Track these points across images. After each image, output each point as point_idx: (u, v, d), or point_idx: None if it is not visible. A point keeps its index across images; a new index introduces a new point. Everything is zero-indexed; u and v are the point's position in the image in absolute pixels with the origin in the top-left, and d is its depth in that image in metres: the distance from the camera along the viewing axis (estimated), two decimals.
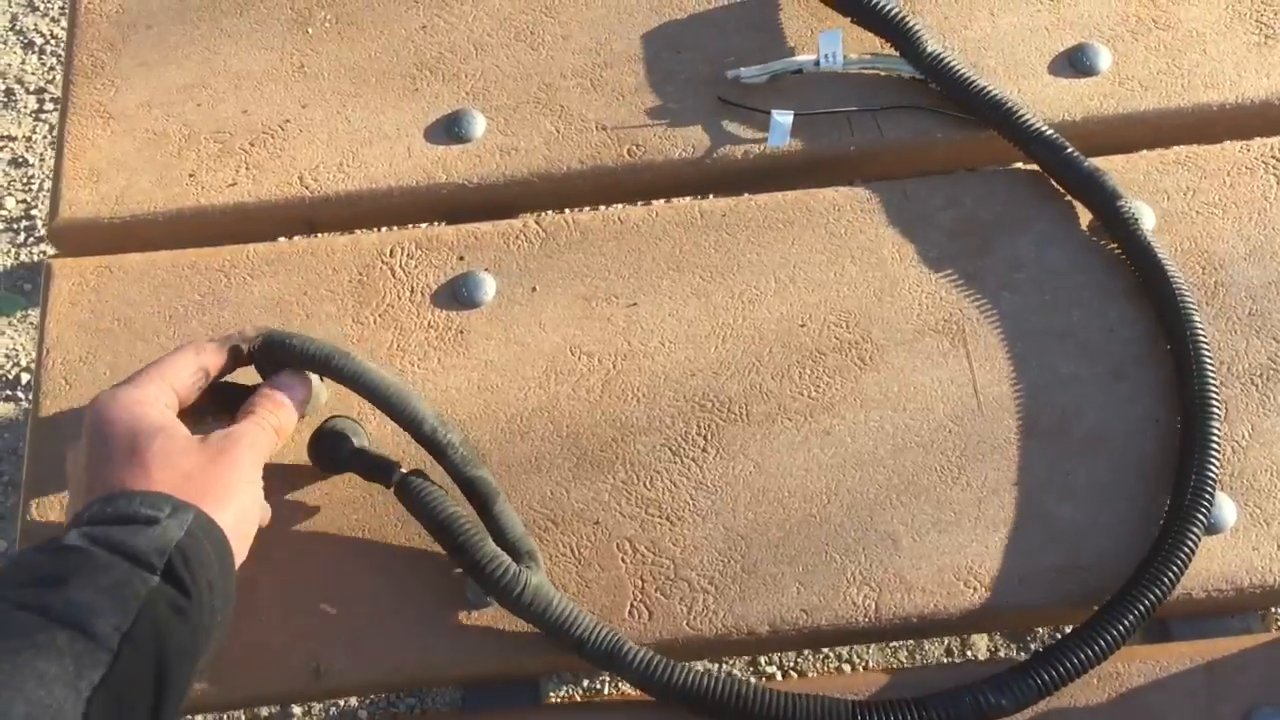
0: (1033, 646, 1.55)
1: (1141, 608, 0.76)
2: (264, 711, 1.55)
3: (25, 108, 2.04)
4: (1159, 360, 0.86)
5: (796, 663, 1.58)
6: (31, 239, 1.93)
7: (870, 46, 0.97)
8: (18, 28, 2.11)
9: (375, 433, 0.86)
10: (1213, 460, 0.80)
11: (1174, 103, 0.95)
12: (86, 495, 0.69)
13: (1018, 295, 0.89)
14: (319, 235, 0.96)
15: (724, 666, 1.56)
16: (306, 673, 0.80)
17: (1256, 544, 0.81)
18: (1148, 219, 0.90)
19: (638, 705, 0.80)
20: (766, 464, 0.85)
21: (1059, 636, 0.77)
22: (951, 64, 0.93)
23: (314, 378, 0.84)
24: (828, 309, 0.89)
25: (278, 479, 0.83)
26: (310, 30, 1.02)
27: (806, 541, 0.82)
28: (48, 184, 1.97)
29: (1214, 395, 0.82)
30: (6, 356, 1.85)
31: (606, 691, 1.54)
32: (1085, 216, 0.91)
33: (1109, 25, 0.98)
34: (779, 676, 1.57)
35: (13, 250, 1.93)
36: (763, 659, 1.57)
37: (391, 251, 0.92)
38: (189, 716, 0.91)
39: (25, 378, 1.82)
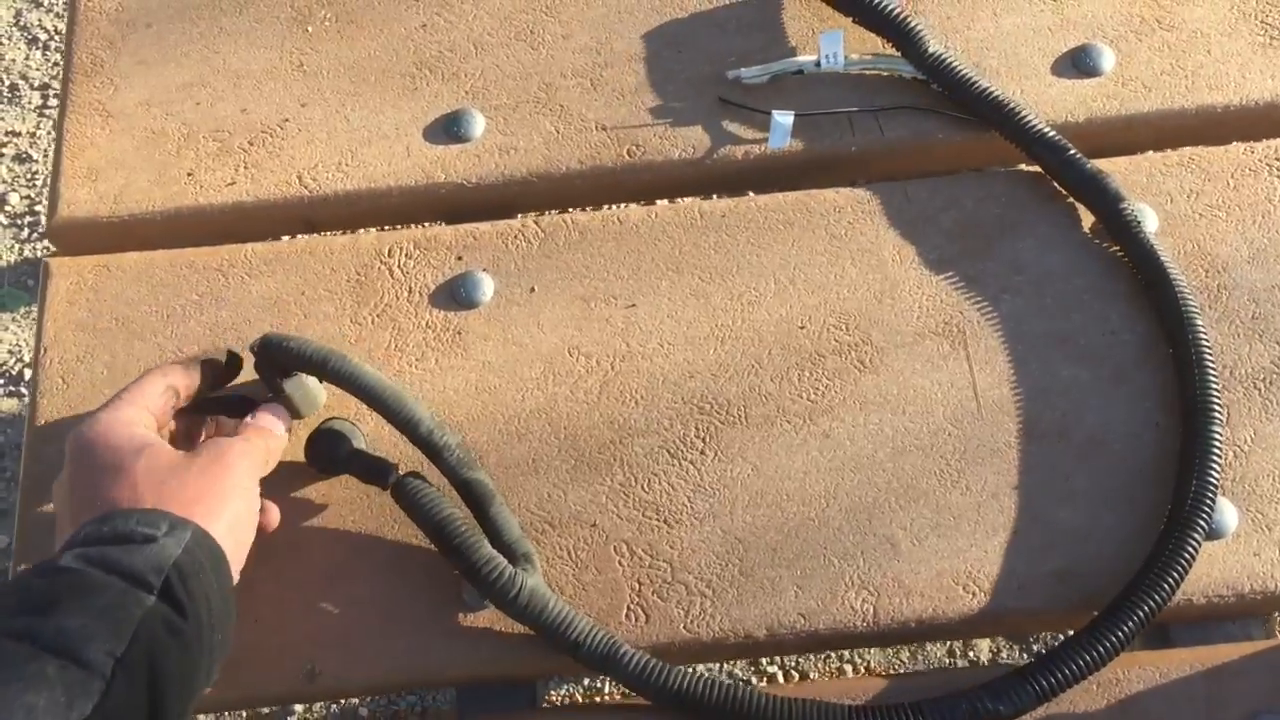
0: (1036, 648, 1.55)
1: (1141, 614, 0.75)
2: (264, 710, 1.55)
3: (29, 103, 2.04)
4: (1160, 364, 0.85)
5: (798, 663, 1.58)
6: (35, 235, 1.93)
7: (872, 47, 0.96)
8: (22, 23, 2.11)
9: (372, 434, 0.85)
10: (1214, 465, 0.79)
11: (1178, 104, 0.94)
12: (75, 522, 0.68)
13: (1018, 298, 0.88)
14: (317, 235, 0.96)
15: (724, 666, 1.56)
16: (302, 675, 0.79)
17: (1258, 549, 0.80)
18: (1150, 221, 0.89)
19: (634, 709, 0.80)
20: (765, 467, 0.84)
21: (1061, 640, 0.76)
22: (953, 64, 0.92)
23: (311, 380, 0.84)
24: (827, 311, 0.89)
25: (274, 479, 0.83)
26: (310, 29, 1.01)
27: (805, 545, 0.82)
28: None
29: (1216, 399, 0.81)
30: (10, 352, 1.85)
31: (607, 690, 1.54)
32: (1087, 219, 0.90)
33: (1113, 25, 0.97)
34: (780, 677, 1.57)
35: (16, 246, 1.93)
36: (763, 659, 1.57)
37: (390, 251, 0.92)
38: None
39: (29, 373, 1.82)
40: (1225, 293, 0.87)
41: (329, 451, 0.83)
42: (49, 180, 1.95)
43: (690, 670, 0.76)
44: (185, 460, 0.71)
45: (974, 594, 0.80)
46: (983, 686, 0.75)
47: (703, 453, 0.85)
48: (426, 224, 0.96)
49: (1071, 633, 0.76)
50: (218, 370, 0.80)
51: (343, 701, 1.56)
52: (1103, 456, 0.83)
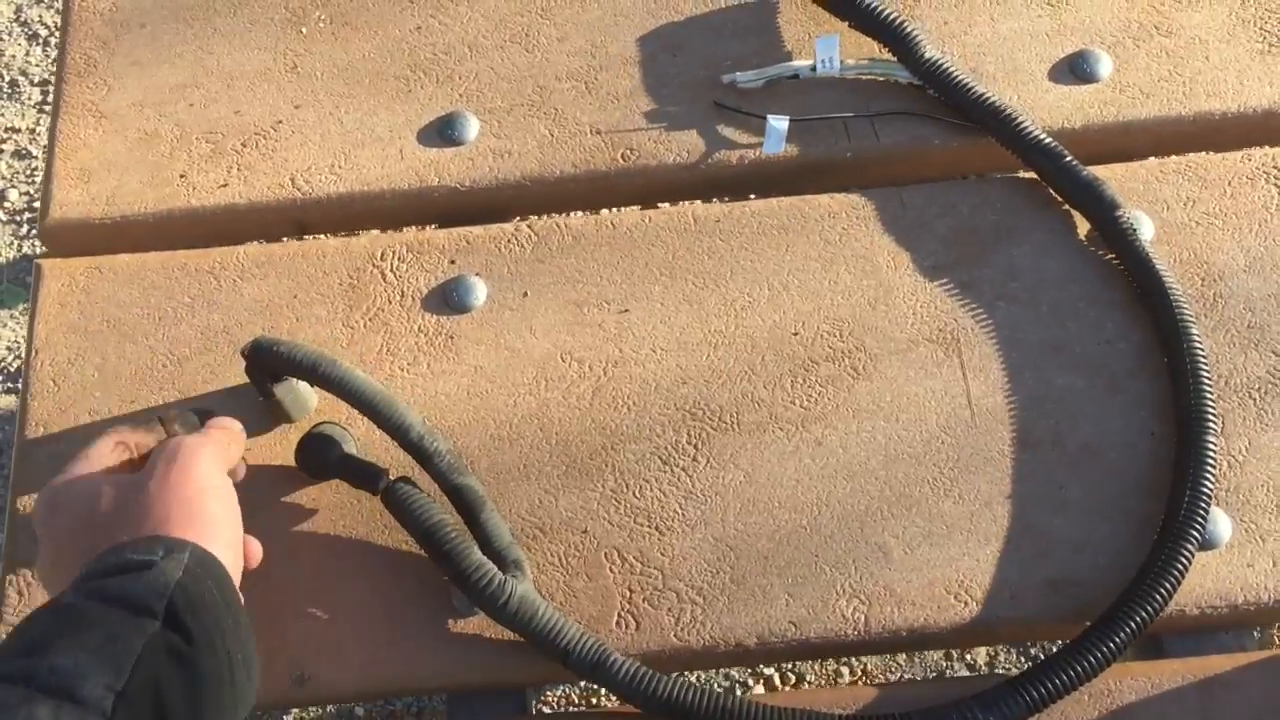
0: (1034, 652, 1.54)
1: (1134, 624, 0.75)
2: (258, 713, 1.55)
3: (29, 99, 2.04)
4: (1156, 373, 0.85)
5: (794, 665, 1.58)
6: (34, 232, 1.93)
7: (868, 52, 0.96)
8: (23, 19, 2.10)
9: (363, 439, 0.85)
10: (1208, 475, 0.79)
11: (1175, 111, 0.94)
12: (63, 574, 0.65)
13: (1013, 305, 0.88)
14: (310, 238, 0.96)
15: (721, 667, 1.55)
16: (291, 681, 0.79)
17: (1251, 560, 0.80)
18: (1146, 229, 0.89)
19: (624, 717, 0.79)
20: (757, 474, 0.84)
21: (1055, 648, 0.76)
22: (949, 70, 0.92)
23: (302, 384, 0.84)
24: (821, 317, 0.88)
25: (263, 481, 0.83)
26: (304, 30, 1.01)
27: (796, 553, 0.81)
28: None
29: (1211, 409, 0.81)
30: (9, 349, 1.85)
31: (603, 693, 1.53)
32: (1083, 226, 0.90)
33: (1110, 31, 0.97)
34: (776, 679, 1.56)
35: (15, 243, 1.93)
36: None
37: (383, 255, 0.92)
38: None
39: None
40: (1221, 301, 0.87)
41: (319, 456, 0.82)
42: (42, 181, 1.96)
43: (680, 678, 0.75)
44: (145, 477, 0.68)
45: (966, 603, 0.80)
46: (974, 697, 0.74)
47: (694, 459, 0.84)
48: (420, 227, 0.96)
49: (1063, 643, 0.76)
50: (193, 429, 0.77)
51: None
52: (1097, 466, 0.83)
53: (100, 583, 0.61)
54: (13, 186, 1.96)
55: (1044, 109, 0.94)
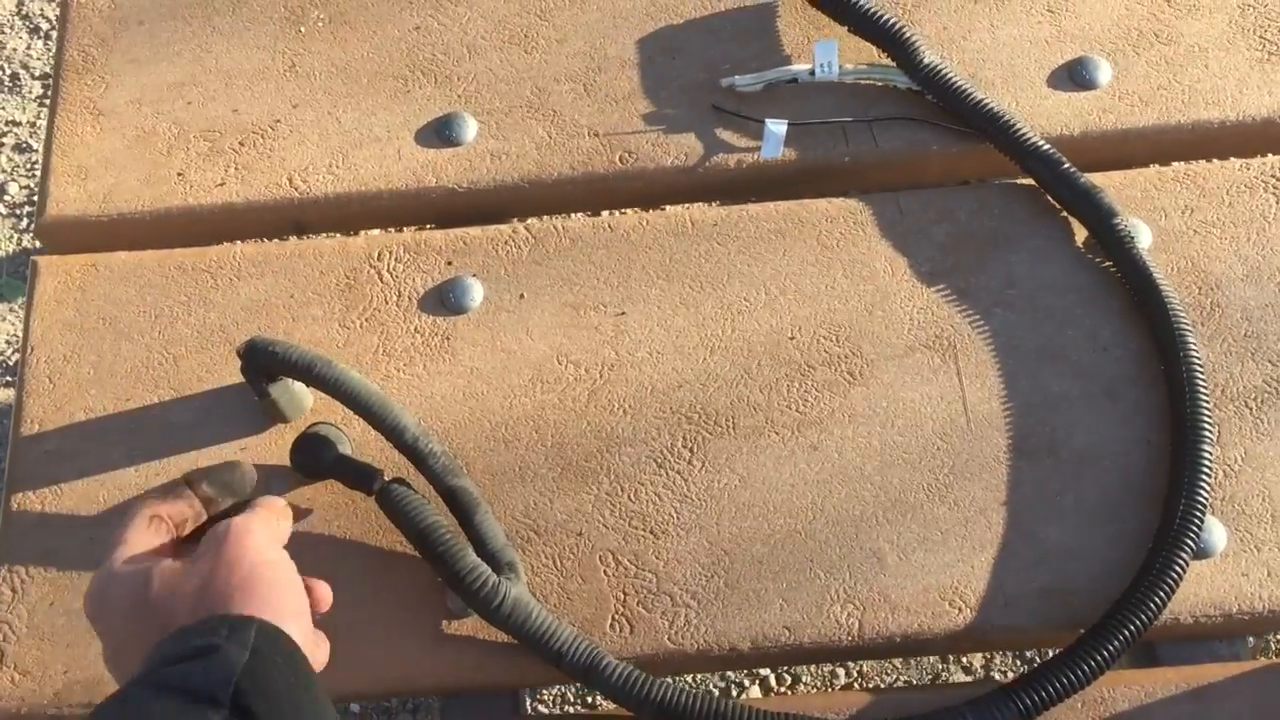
0: (1030, 655, 1.54)
1: (1128, 632, 0.75)
2: None
3: (30, 93, 2.04)
4: (1152, 381, 0.85)
5: (790, 667, 1.58)
6: (34, 226, 1.93)
7: (867, 56, 0.96)
8: (24, 12, 2.10)
9: (358, 440, 0.85)
10: (1203, 484, 0.79)
11: (1174, 119, 0.94)
12: (125, 667, 0.63)
13: (1010, 312, 0.88)
14: (307, 237, 0.96)
15: (714, 671, 1.55)
16: None
17: (1246, 570, 0.80)
18: (1144, 237, 0.89)
19: (619, 719, 0.79)
20: (752, 478, 0.84)
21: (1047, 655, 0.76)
22: (948, 75, 0.92)
23: (297, 384, 0.84)
24: (818, 322, 0.88)
25: (258, 482, 0.82)
26: (303, 29, 1.01)
27: (791, 558, 0.81)
28: None
29: (1207, 418, 0.81)
30: (7, 342, 1.85)
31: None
32: (1081, 233, 0.90)
33: (1110, 38, 0.97)
34: (772, 679, 1.56)
35: (15, 236, 1.92)
36: None
37: (380, 255, 0.92)
38: None
39: None
40: (1218, 310, 0.87)
41: (314, 456, 0.82)
42: (39, 178, 1.96)
43: (673, 682, 0.75)
44: (196, 559, 0.65)
45: (960, 610, 0.80)
46: (967, 704, 0.74)
47: (690, 463, 0.84)
48: (417, 228, 0.96)
49: (1057, 651, 0.76)
50: (225, 486, 0.75)
51: None
52: (1092, 473, 0.83)
53: (161, 674, 0.57)
54: (13, 180, 1.96)
55: (1042, 115, 0.94)
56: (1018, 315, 0.87)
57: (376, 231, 0.95)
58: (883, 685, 1.53)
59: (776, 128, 0.92)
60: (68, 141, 0.96)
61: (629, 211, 0.95)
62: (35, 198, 1.93)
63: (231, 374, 0.86)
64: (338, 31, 1.00)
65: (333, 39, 1.00)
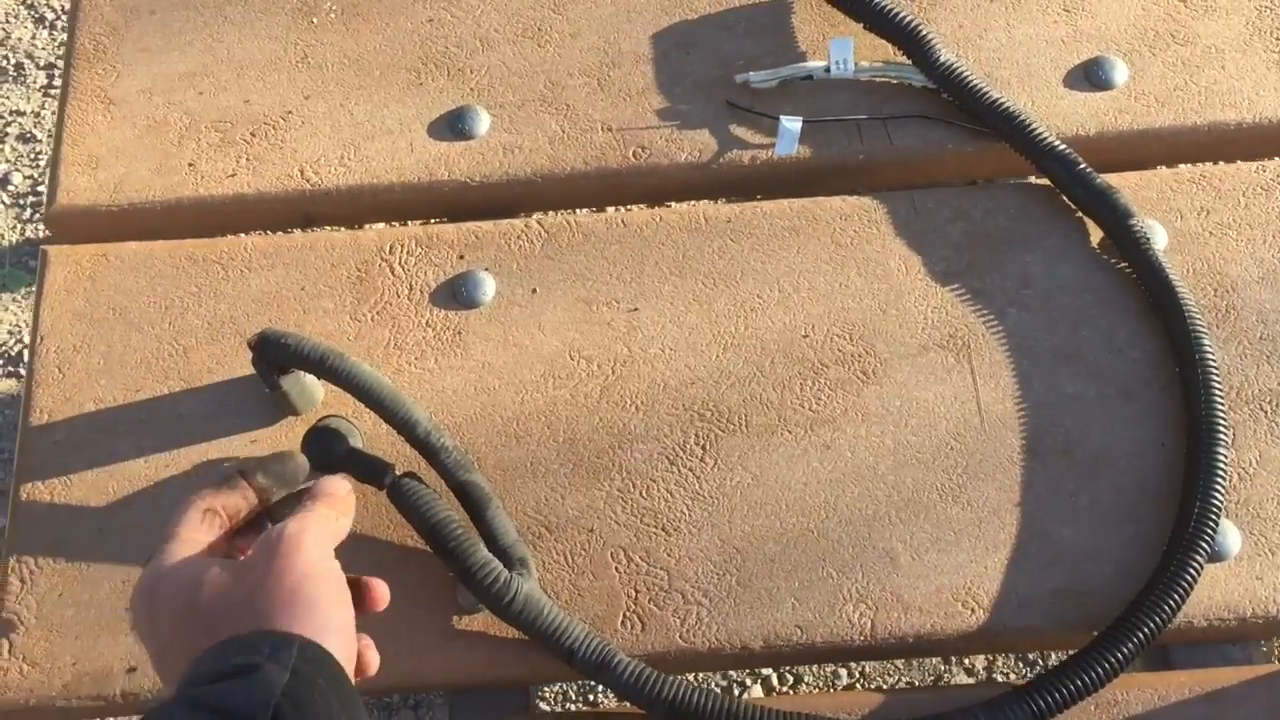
0: (1031, 657, 1.54)
1: (1142, 635, 0.75)
2: None
3: (35, 83, 2.03)
4: (1167, 383, 0.85)
5: (792, 667, 1.57)
6: (38, 215, 1.92)
7: (882, 54, 0.95)
8: (29, 2, 2.10)
9: (369, 433, 0.85)
10: (1218, 486, 0.79)
11: (1190, 120, 0.93)
12: (174, 679, 0.60)
13: (1025, 312, 0.87)
14: (318, 229, 0.95)
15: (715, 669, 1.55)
16: None
17: (1260, 573, 0.80)
18: (1160, 238, 0.88)
19: (627, 716, 0.79)
20: (765, 476, 0.83)
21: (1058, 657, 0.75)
22: (964, 74, 0.91)
23: (309, 377, 0.83)
24: (831, 320, 0.88)
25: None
26: (315, 20, 1.00)
27: (803, 556, 0.81)
28: None
29: (1222, 420, 0.80)
30: (10, 333, 1.84)
31: (601, 691, 1.53)
32: (1096, 234, 0.89)
33: (1126, 39, 0.96)
34: (774, 679, 1.56)
35: (19, 226, 1.92)
36: None
37: (391, 248, 0.91)
38: None
39: (28, 355, 1.81)
40: (1234, 313, 0.87)
41: (325, 449, 0.82)
42: (49, 167, 1.95)
43: (684, 680, 0.75)
44: (246, 566, 0.64)
45: (973, 610, 0.79)
46: (981, 705, 0.74)
47: (702, 460, 0.84)
48: (428, 221, 0.95)
49: (1071, 653, 0.76)
50: (279, 477, 0.73)
51: None
52: (1107, 475, 0.82)
53: (202, 691, 0.56)
54: (16, 170, 1.96)
55: (1058, 115, 0.94)
56: (1032, 315, 0.87)
57: (388, 224, 0.94)
58: (885, 686, 1.52)
59: (791, 124, 0.92)
60: (78, 130, 0.96)
61: (642, 207, 0.94)
62: (39, 188, 1.93)
63: (242, 366, 0.86)
64: (350, 23, 1.00)
65: (345, 30, 1.00)
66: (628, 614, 0.80)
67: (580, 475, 0.84)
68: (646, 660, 0.76)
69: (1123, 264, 0.88)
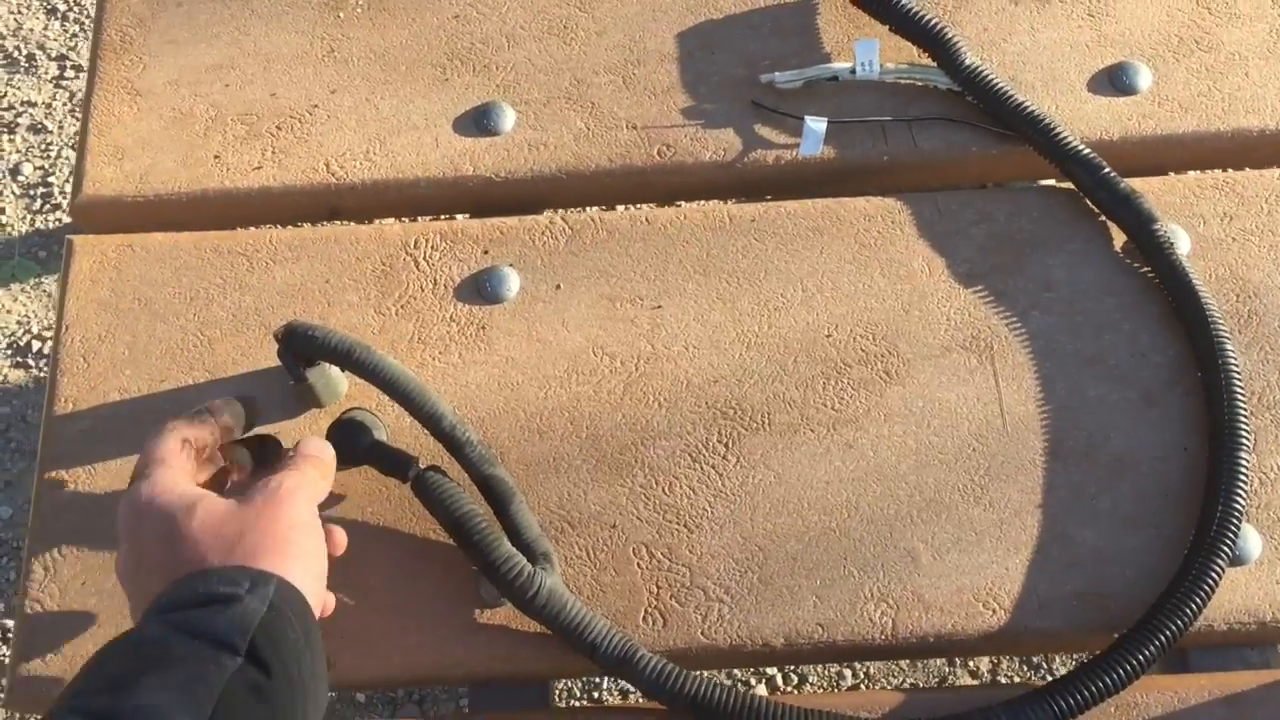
0: (1036, 661, 1.55)
1: (1163, 638, 0.75)
2: None
3: (46, 74, 2.03)
4: (1190, 387, 0.85)
5: (797, 667, 1.58)
6: (47, 206, 1.92)
7: (907, 56, 0.96)
8: None
9: (392, 426, 0.85)
10: (1240, 491, 0.79)
11: (1214, 126, 0.94)
12: (145, 594, 0.65)
13: (1048, 315, 0.88)
14: (343, 223, 0.95)
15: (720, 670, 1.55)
16: None
17: None
18: (1183, 243, 0.89)
19: (645, 712, 0.79)
20: (787, 475, 0.84)
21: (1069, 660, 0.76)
22: (989, 77, 0.92)
23: (334, 369, 0.83)
24: (854, 320, 0.88)
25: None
26: (342, 14, 1.00)
27: (825, 555, 0.81)
28: (66, 151, 1.96)
29: (1244, 425, 0.81)
30: (19, 323, 1.84)
31: (605, 686, 1.53)
32: (1119, 238, 0.90)
33: (1150, 45, 0.97)
34: (779, 679, 1.56)
35: (28, 217, 1.92)
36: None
37: (416, 242, 0.91)
38: None
39: (36, 345, 1.81)
40: (1256, 319, 0.87)
41: (350, 442, 0.82)
42: (70, 150, 1.95)
43: (707, 677, 0.75)
44: (241, 507, 0.68)
45: (994, 611, 0.80)
46: (1002, 705, 0.74)
47: (724, 458, 0.84)
48: (453, 216, 0.96)
49: (1091, 655, 0.76)
50: (238, 418, 0.77)
51: None
52: (1128, 478, 0.83)
53: (184, 615, 0.60)
54: (27, 161, 1.96)
55: (1082, 120, 0.94)
56: (1055, 318, 0.87)
57: (413, 219, 0.95)
58: (889, 686, 1.53)
59: (816, 125, 0.92)
60: (105, 121, 0.96)
61: (666, 205, 0.95)
62: (50, 179, 1.93)
63: (266, 358, 0.86)
64: (376, 18, 1.00)
65: (371, 25, 1.00)
66: (649, 610, 0.81)
67: (603, 471, 0.84)
68: (667, 656, 0.77)
69: (1146, 269, 0.88)
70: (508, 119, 0.96)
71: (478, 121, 0.96)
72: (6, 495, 1.71)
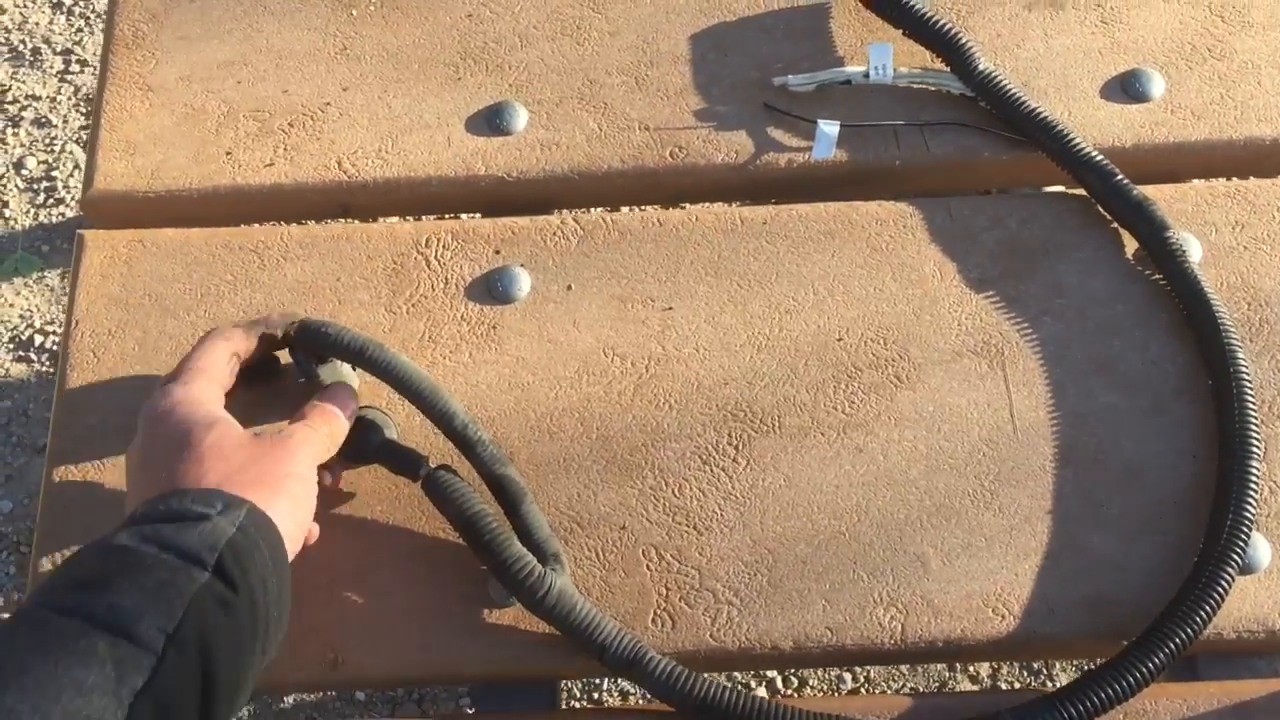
0: (1035, 666, 1.55)
1: (1172, 646, 0.75)
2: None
3: (51, 68, 2.03)
4: (1200, 395, 0.85)
5: (797, 670, 1.58)
6: (51, 200, 1.92)
7: (920, 61, 0.96)
8: None
9: (403, 425, 0.85)
10: (1250, 499, 0.79)
11: (1226, 134, 0.94)
12: (142, 493, 0.68)
13: (1059, 321, 0.88)
14: (354, 221, 0.95)
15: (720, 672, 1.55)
16: (324, 664, 0.79)
17: None
18: (1194, 251, 0.89)
19: (653, 714, 0.79)
20: (797, 478, 0.84)
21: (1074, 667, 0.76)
22: (1002, 83, 0.92)
23: (345, 367, 0.83)
24: (865, 324, 0.88)
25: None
26: (354, 12, 1.00)
27: (834, 559, 0.81)
28: (70, 146, 1.96)
29: (1254, 433, 0.81)
30: (21, 318, 1.84)
31: (607, 692, 1.53)
32: (1131, 245, 0.90)
33: (1163, 52, 0.97)
34: (779, 682, 1.56)
35: (32, 211, 1.92)
36: None
37: (427, 241, 0.91)
38: None
39: (39, 339, 1.81)
40: (1267, 327, 0.87)
41: (360, 440, 0.82)
42: (75, 145, 1.95)
43: (716, 680, 0.75)
44: (251, 442, 0.71)
45: (1003, 616, 0.80)
46: (1011, 710, 0.74)
47: (735, 460, 0.84)
48: (465, 216, 0.96)
49: (1100, 662, 0.76)
50: (270, 341, 0.80)
51: None
52: (1138, 485, 0.83)
53: (155, 528, 0.63)
54: (31, 154, 1.96)
55: (1094, 126, 0.94)
56: (1066, 325, 0.87)
57: (424, 218, 0.94)
58: (889, 690, 1.53)
59: (829, 128, 0.92)
60: (117, 116, 0.96)
61: (678, 207, 0.95)
62: (54, 173, 1.93)
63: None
64: (389, 16, 1.00)
65: (384, 23, 1.00)
66: (658, 612, 0.80)
67: (613, 472, 0.84)
68: (676, 658, 0.77)
69: (1157, 276, 0.88)
70: (520, 119, 0.96)
71: (490, 121, 0.96)
72: (7, 490, 1.71)
